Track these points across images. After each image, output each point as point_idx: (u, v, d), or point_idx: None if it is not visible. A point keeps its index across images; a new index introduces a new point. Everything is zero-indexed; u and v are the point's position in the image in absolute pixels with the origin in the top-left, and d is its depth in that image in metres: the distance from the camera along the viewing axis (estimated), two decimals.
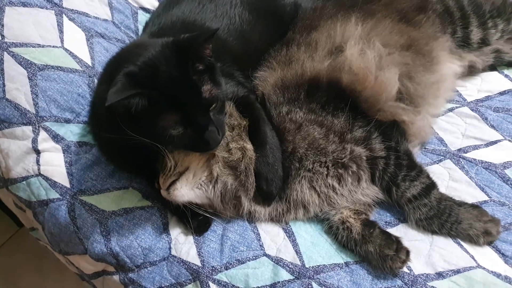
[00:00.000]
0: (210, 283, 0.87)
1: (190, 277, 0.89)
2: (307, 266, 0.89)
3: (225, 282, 0.88)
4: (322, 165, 0.96)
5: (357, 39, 1.07)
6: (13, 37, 1.06)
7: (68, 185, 0.99)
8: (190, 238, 0.94)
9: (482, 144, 1.12)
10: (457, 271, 0.87)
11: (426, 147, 1.14)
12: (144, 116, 0.76)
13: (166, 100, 0.77)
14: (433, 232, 0.94)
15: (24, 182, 1.00)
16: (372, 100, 1.02)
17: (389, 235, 0.91)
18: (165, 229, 0.96)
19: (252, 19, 1.17)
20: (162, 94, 0.76)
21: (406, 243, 0.90)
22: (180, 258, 0.91)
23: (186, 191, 0.91)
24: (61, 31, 1.13)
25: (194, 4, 1.16)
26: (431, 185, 0.96)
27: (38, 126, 1.02)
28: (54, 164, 1.01)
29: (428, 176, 0.98)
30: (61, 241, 0.99)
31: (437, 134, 1.17)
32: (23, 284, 1.58)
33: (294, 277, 0.87)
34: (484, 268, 0.87)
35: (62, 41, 1.12)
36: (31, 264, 1.62)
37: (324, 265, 0.90)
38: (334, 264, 0.90)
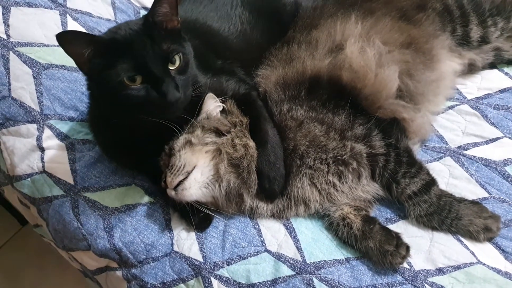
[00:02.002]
0: (212, 279, 0.88)
1: (192, 273, 0.90)
2: (308, 262, 0.90)
3: (227, 277, 0.88)
4: (322, 162, 0.97)
5: (357, 37, 1.08)
6: (19, 36, 1.07)
7: (71, 182, 1.00)
8: (192, 234, 0.95)
9: (482, 142, 1.12)
10: (458, 267, 0.87)
11: (426, 144, 1.15)
12: (103, 67, 0.79)
13: (120, 47, 0.79)
14: (433, 229, 0.94)
15: (28, 179, 1.01)
16: (372, 97, 1.02)
17: (389, 231, 0.91)
18: (167, 225, 0.97)
19: (252, 19, 1.19)
20: (115, 41, 0.80)
21: (406, 239, 0.90)
22: (182, 254, 0.92)
23: (194, 190, 0.90)
24: None
25: (196, 4, 1.18)
26: (431, 182, 0.96)
27: (43, 124, 1.03)
28: (58, 161, 1.02)
29: (428, 173, 0.98)
30: (64, 237, 1.00)
31: (437, 131, 1.17)
32: (26, 282, 1.59)
33: (295, 273, 0.88)
34: (484, 264, 0.87)
35: None
36: (33, 261, 1.63)
37: (325, 261, 0.90)
38: (335, 260, 0.91)
